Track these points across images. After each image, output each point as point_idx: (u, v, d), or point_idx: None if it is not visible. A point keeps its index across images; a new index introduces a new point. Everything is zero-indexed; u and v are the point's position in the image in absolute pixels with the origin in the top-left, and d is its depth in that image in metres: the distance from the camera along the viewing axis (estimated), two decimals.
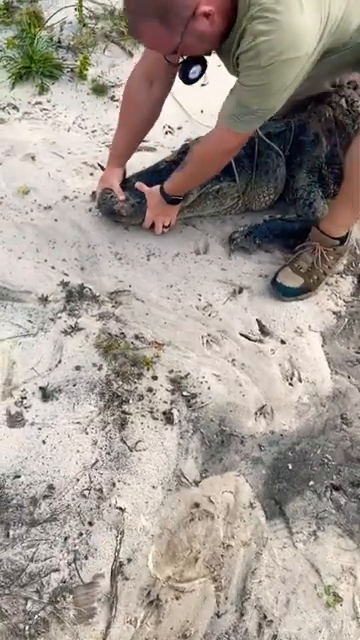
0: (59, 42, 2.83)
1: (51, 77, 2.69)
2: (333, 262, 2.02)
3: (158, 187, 2.03)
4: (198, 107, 2.53)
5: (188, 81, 1.73)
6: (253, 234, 2.12)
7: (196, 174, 1.97)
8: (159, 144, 2.50)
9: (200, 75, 1.73)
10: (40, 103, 2.62)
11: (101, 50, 2.83)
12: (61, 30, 2.88)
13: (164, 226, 2.13)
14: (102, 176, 2.19)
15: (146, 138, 2.47)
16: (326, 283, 2.05)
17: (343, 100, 2.12)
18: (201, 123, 2.53)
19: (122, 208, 2.09)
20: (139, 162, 2.42)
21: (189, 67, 1.69)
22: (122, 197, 2.09)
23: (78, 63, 2.70)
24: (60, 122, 2.55)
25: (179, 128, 2.56)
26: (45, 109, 2.61)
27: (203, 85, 2.65)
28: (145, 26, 1.54)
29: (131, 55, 2.80)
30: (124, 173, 2.17)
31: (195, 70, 1.70)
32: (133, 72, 2.01)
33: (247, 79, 1.62)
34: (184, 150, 2.13)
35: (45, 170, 2.37)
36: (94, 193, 2.25)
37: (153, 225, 2.14)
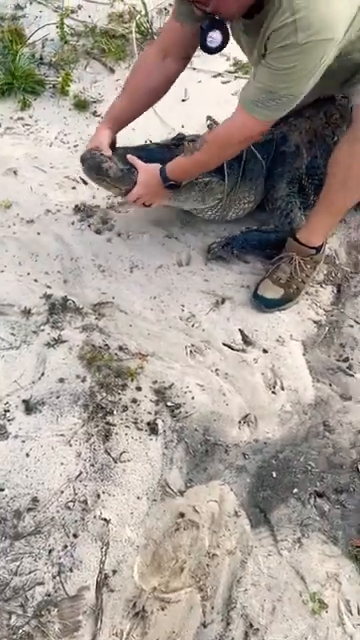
0: (41, 59, 2.86)
1: (33, 93, 2.72)
2: (311, 271, 2.05)
3: (157, 167, 1.93)
4: (179, 122, 2.56)
5: (208, 49, 1.70)
6: (231, 245, 2.15)
7: (206, 161, 1.90)
8: None
9: (221, 46, 1.69)
10: (22, 119, 2.64)
11: (82, 67, 2.86)
12: (43, 47, 2.91)
13: (145, 205, 2.03)
14: (92, 136, 2.04)
15: None
16: (306, 292, 2.08)
17: (322, 113, 2.17)
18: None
19: (110, 168, 1.91)
20: None
21: (208, 32, 1.65)
22: (110, 157, 1.93)
23: (60, 79, 2.73)
24: (42, 137, 2.57)
25: None
26: (27, 124, 2.63)
27: (184, 100, 2.70)
28: None
29: (112, 71, 2.84)
30: (114, 142, 2.03)
31: (213, 37, 1.66)
32: (148, 47, 1.99)
33: (277, 61, 1.59)
34: (179, 138, 2.11)
35: (27, 184, 2.38)
36: (78, 206, 2.23)
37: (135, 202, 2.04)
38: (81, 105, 2.68)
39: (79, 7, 3.15)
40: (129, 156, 1.95)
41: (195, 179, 2.02)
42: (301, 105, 2.18)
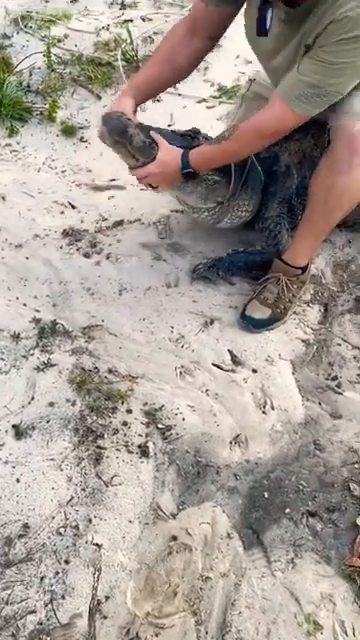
0: (28, 86, 2.91)
1: (21, 120, 2.76)
2: (297, 291, 2.08)
3: (180, 151, 1.86)
4: None
5: (265, 32, 1.68)
6: (216, 266, 2.18)
7: (235, 150, 1.85)
8: (128, 182, 2.55)
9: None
10: (10, 145, 2.67)
11: (69, 94, 2.91)
12: (30, 75, 2.97)
13: (151, 186, 1.94)
14: (114, 102, 1.96)
15: (115, 177, 2.55)
16: (294, 312, 2.10)
17: (310, 135, 2.21)
18: None
19: (135, 135, 1.78)
20: (109, 200, 2.49)
21: (264, 13, 1.64)
22: (136, 125, 1.82)
23: (47, 106, 2.78)
24: (30, 163, 2.61)
25: None
26: (15, 150, 2.66)
27: (170, 125, 2.74)
28: None
29: (99, 98, 2.89)
30: (135, 113, 1.93)
31: (268, 17, 1.63)
32: (178, 23, 1.95)
33: (333, 55, 1.56)
34: (195, 131, 2.04)
35: (16, 209, 2.41)
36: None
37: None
38: (68, 131, 2.73)
39: (65, 36, 3.22)
40: (153, 132, 1.86)
41: (205, 175, 1.97)
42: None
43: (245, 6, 1.83)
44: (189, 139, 1.98)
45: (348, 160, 1.81)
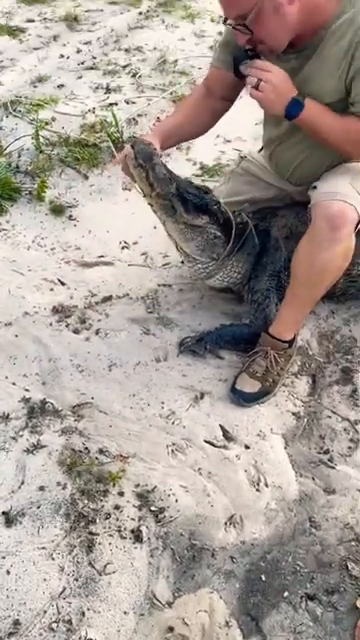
0: (17, 167, 3.01)
1: (10, 199, 2.84)
2: (285, 363, 2.11)
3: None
4: (151, 224, 2.70)
5: (243, 76, 1.79)
6: (204, 340, 2.21)
7: (343, 130, 1.84)
8: (116, 258, 2.63)
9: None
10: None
11: (57, 174, 3.02)
12: (19, 156, 3.08)
13: (259, 90, 1.79)
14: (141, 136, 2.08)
15: (103, 253, 2.62)
16: (283, 384, 2.12)
17: (295, 212, 2.30)
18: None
19: (158, 165, 1.89)
20: (98, 276, 2.54)
21: (241, 60, 1.77)
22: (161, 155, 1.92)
23: (36, 186, 2.87)
24: (19, 241, 2.66)
25: (135, 243, 2.71)
26: (4, 229, 2.72)
27: None
28: None
29: (86, 178, 3.00)
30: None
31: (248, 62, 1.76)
32: (197, 86, 2.15)
33: None
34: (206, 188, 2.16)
35: (5, 287, 2.44)
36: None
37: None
38: (57, 210, 2.81)
39: (53, 119, 3.37)
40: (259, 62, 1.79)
41: (206, 226, 2.07)
42: (281, 203, 2.34)
43: None
44: (203, 192, 2.09)
45: (329, 237, 1.89)
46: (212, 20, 4.60)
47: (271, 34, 1.72)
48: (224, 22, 1.78)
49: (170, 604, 1.58)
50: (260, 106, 1.92)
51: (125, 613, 1.55)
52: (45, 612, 1.52)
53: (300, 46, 1.82)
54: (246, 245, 2.24)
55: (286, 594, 1.62)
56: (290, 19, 1.69)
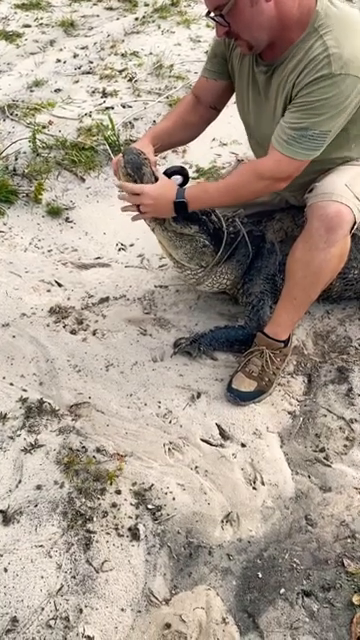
0: (14, 170, 3.03)
1: (7, 202, 2.86)
2: (281, 363, 2.12)
3: (178, 182, 2.00)
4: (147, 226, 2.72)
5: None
6: (198, 342, 2.22)
7: (233, 186, 1.93)
8: (113, 260, 2.64)
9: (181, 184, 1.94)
10: None
11: (54, 176, 3.04)
12: (16, 159, 3.10)
13: (138, 208, 1.94)
14: (136, 143, 2.08)
15: (100, 255, 2.63)
16: (279, 384, 2.14)
17: (290, 216, 2.32)
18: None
19: (146, 174, 1.91)
20: (95, 278, 2.55)
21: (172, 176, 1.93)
22: (151, 164, 1.95)
23: (33, 189, 2.89)
24: (17, 243, 2.68)
25: (131, 245, 2.73)
26: (1, 231, 2.74)
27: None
28: None
29: (83, 180, 3.02)
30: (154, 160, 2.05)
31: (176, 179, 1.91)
32: (187, 95, 2.21)
33: (310, 95, 1.72)
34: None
35: (2, 289, 2.45)
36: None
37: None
38: (54, 212, 2.83)
39: (50, 123, 3.40)
40: (158, 172, 1.97)
41: (195, 235, 2.10)
42: (277, 207, 2.36)
43: (237, 78, 2.02)
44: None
45: (324, 237, 1.90)
46: (207, 26, 4.65)
47: (247, 28, 1.75)
48: (207, 14, 1.81)
49: (167, 601, 1.59)
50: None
51: (122, 610, 1.55)
52: (43, 609, 1.53)
53: (272, 59, 1.87)
54: (237, 253, 2.26)
55: (282, 591, 1.63)
56: (267, 17, 1.72)
